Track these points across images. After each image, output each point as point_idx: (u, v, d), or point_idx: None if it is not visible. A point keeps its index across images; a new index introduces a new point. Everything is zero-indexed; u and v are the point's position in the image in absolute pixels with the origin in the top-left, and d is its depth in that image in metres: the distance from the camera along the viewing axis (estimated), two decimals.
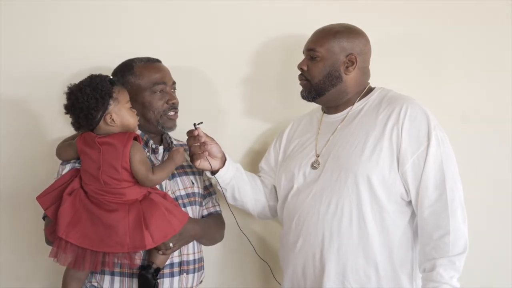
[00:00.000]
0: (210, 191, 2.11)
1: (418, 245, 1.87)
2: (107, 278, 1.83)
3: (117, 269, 1.80)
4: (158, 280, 1.80)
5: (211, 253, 2.26)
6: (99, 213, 1.72)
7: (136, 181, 1.77)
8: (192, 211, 1.96)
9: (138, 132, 1.96)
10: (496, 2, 2.47)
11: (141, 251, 1.80)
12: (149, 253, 1.82)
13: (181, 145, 2.09)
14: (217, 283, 2.32)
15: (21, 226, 2.17)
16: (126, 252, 1.71)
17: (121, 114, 1.79)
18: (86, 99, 1.75)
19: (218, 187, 2.04)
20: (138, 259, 1.78)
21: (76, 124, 1.80)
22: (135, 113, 1.84)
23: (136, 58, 1.99)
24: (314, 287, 1.90)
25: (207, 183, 2.11)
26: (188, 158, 2.02)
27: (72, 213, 1.73)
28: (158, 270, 1.79)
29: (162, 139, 2.04)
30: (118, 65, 2.00)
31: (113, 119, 1.78)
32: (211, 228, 2.04)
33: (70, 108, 1.79)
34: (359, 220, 1.84)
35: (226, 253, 2.33)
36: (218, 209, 2.11)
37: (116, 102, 1.78)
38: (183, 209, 1.92)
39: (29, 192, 1.99)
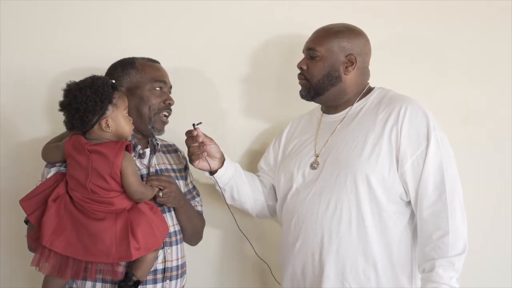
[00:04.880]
0: (193, 194, 2.10)
1: (417, 246, 1.87)
2: (88, 284, 1.79)
3: (99, 276, 1.75)
4: None
5: (210, 254, 2.27)
6: (85, 222, 1.68)
7: (124, 190, 1.73)
8: (171, 216, 1.93)
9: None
10: (496, 2, 2.46)
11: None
12: (131, 264, 1.77)
13: (166, 146, 2.09)
14: (216, 283, 2.33)
15: (20, 223, 2.16)
16: (110, 263, 1.68)
17: (117, 120, 1.75)
18: (85, 101, 1.70)
19: (217, 187, 2.04)
20: (121, 268, 1.73)
21: (69, 124, 1.75)
22: (131, 121, 1.81)
23: (137, 57, 2.00)
24: (313, 287, 1.89)
25: (190, 186, 2.10)
26: (169, 160, 2.02)
27: (56, 220, 1.68)
28: (138, 282, 1.75)
29: (148, 141, 2.02)
30: (118, 60, 1.99)
31: (108, 125, 1.74)
32: (193, 210, 2.02)
33: (66, 106, 1.73)
34: (358, 220, 1.84)
35: (225, 253, 2.33)
36: (200, 208, 2.10)
37: (114, 108, 1.74)
38: (168, 214, 1.91)
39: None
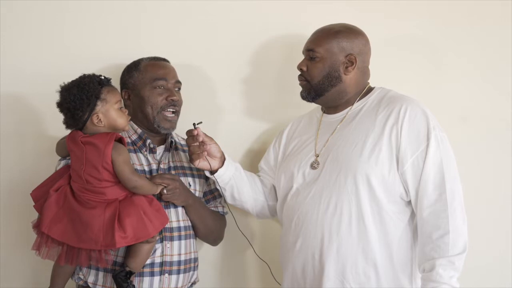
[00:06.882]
0: (215, 194, 2.12)
1: (417, 245, 1.87)
2: (92, 272, 1.87)
3: (91, 262, 1.79)
4: (134, 281, 1.81)
5: (210, 254, 2.27)
6: (80, 210, 1.74)
7: (117, 181, 1.78)
8: (176, 213, 1.95)
9: (139, 131, 1.97)
10: (496, 2, 2.46)
11: (117, 250, 1.81)
12: (125, 255, 1.82)
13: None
14: (217, 284, 2.32)
15: (21, 223, 2.16)
16: (98, 250, 1.72)
17: (108, 114, 1.79)
18: (72, 100, 1.76)
19: (217, 187, 2.04)
20: (110, 257, 1.77)
21: (65, 123, 1.82)
22: (126, 113, 1.85)
23: (145, 57, 2.03)
24: (314, 287, 1.89)
25: (212, 186, 2.12)
26: (188, 158, 2.02)
27: (56, 209, 1.76)
28: (130, 273, 1.79)
29: (165, 139, 2.04)
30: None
31: (100, 120, 1.78)
32: (205, 210, 2.04)
33: (59, 106, 1.81)
34: (359, 220, 1.84)
35: (225, 253, 2.33)
36: (220, 209, 2.12)
37: (104, 103, 1.78)
38: (173, 209, 1.94)
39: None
